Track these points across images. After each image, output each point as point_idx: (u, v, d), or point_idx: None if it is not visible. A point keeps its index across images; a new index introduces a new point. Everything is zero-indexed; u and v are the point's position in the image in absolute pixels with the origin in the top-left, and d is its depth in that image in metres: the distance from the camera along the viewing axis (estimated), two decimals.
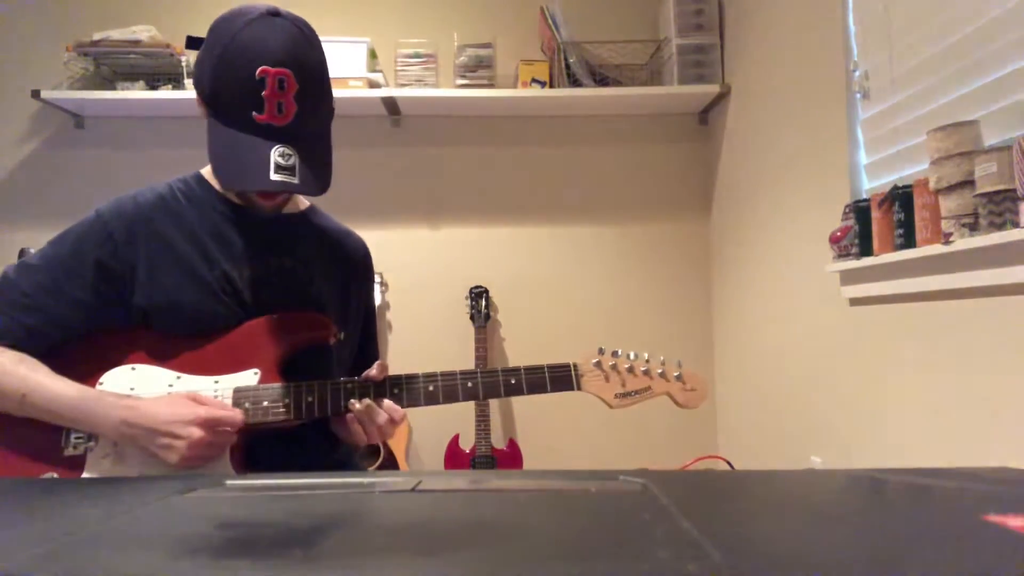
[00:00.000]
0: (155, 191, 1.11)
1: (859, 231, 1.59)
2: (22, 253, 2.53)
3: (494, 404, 2.75)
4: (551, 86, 2.64)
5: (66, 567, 0.33)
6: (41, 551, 0.35)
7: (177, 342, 1.05)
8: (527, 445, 2.74)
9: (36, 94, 2.54)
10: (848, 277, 1.72)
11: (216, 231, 1.09)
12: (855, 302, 1.71)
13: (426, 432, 2.75)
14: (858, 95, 1.73)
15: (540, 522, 0.45)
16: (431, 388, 1.08)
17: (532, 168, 2.85)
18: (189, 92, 2.55)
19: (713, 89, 2.58)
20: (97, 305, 1.04)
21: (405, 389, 1.08)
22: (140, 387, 1.03)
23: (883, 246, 1.50)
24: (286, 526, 0.41)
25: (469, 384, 1.09)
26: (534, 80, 2.64)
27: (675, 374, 1.15)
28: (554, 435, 2.79)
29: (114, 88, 2.60)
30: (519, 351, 2.80)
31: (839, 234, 1.66)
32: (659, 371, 1.14)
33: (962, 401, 1.34)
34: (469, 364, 2.67)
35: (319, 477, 0.67)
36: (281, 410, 1.03)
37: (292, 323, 1.10)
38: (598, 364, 1.13)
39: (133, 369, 1.03)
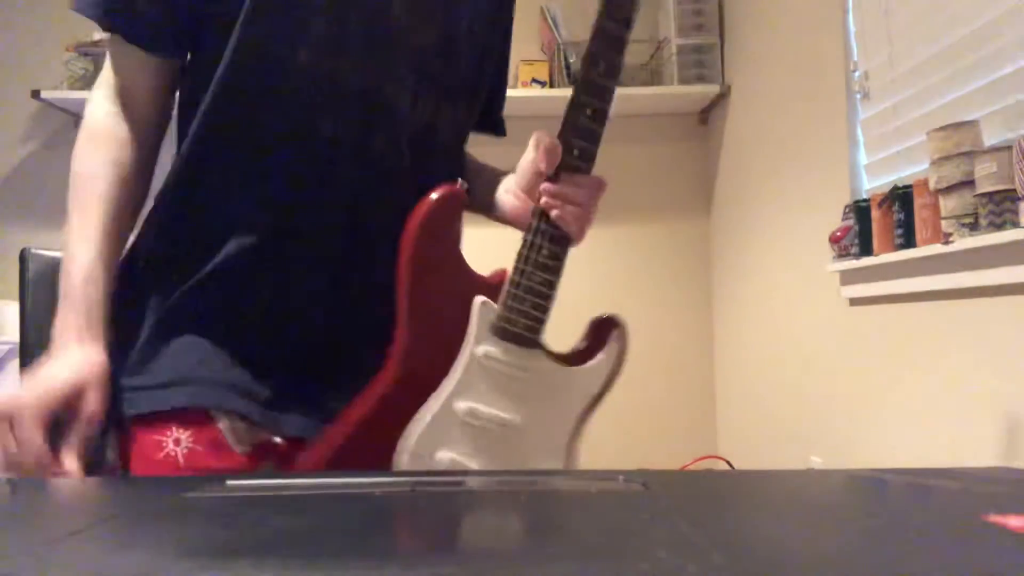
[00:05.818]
0: None
1: (859, 231, 1.59)
2: (22, 253, 2.53)
3: None
4: (551, 86, 2.64)
5: (65, 567, 0.33)
6: (40, 551, 0.35)
7: None
8: None
9: (36, 94, 2.54)
10: (848, 277, 1.72)
11: None
12: (855, 302, 1.71)
13: None
14: (858, 95, 1.73)
15: (540, 522, 0.45)
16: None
17: None
18: None
19: (713, 89, 2.58)
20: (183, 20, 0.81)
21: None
22: None
23: (883, 246, 1.50)
24: (286, 526, 0.41)
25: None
26: (534, 80, 2.64)
27: None
28: None
29: None
30: None
31: (839, 234, 1.66)
32: None
33: (962, 401, 1.34)
34: None
35: (319, 477, 0.67)
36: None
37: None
38: None
39: None
